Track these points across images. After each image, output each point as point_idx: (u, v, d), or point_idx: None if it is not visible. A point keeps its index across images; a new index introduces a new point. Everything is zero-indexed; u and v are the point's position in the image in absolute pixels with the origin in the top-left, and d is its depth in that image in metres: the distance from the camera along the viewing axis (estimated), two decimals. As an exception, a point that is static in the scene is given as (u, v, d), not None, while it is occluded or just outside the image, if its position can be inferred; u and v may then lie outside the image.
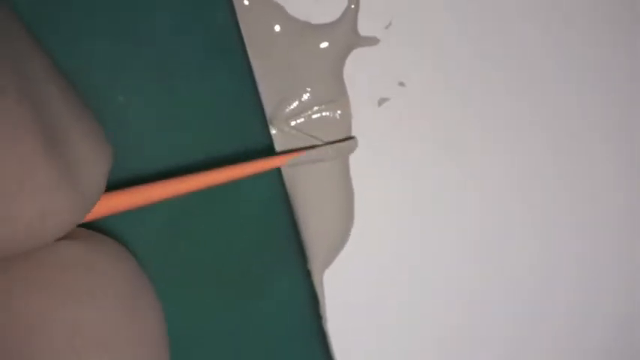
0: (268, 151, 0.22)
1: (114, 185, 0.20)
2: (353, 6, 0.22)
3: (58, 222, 0.17)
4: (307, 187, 0.22)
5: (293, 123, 0.22)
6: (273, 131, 0.22)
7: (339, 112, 0.22)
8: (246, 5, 0.21)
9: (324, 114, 0.22)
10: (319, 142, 0.22)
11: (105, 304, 0.18)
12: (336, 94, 0.22)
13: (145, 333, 0.19)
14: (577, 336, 0.24)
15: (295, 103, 0.22)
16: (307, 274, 0.22)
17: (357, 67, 0.22)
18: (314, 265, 0.22)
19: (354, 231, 0.22)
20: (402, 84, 0.22)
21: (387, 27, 0.22)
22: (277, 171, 0.22)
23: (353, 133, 0.22)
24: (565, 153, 0.23)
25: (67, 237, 0.18)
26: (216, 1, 0.21)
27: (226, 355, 0.22)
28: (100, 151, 0.18)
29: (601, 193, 0.23)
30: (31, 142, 0.16)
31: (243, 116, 0.22)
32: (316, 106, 0.22)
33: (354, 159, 0.22)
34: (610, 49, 0.23)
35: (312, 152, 0.22)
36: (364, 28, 0.22)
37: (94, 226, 0.20)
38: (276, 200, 0.22)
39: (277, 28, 0.22)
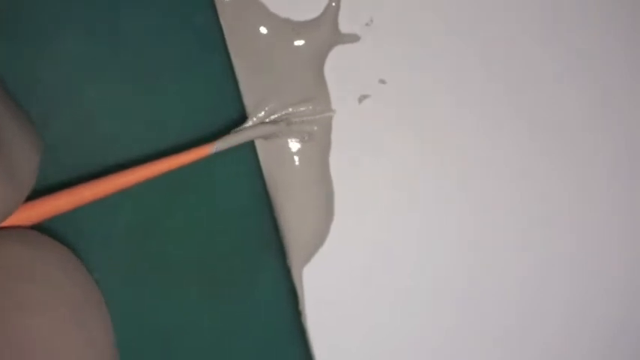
0: (248, 147, 0.22)
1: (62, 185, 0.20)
2: (334, 4, 0.22)
3: None
4: (286, 182, 0.22)
5: (273, 120, 0.22)
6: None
7: (319, 109, 0.22)
8: (227, 2, 0.21)
9: (304, 111, 0.22)
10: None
11: (52, 310, 0.18)
12: (317, 92, 0.22)
13: (93, 340, 0.19)
14: (573, 336, 0.24)
15: (276, 101, 0.22)
16: (287, 271, 0.22)
17: (338, 65, 0.22)
18: (293, 262, 0.22)
19: (333, 227, 0.22)
20: (382, 81, 0.22)
21: (367, 24, 0.22)
22: (257, 165, 0.22)
23: (333, 130, 0.22)
24: (556, 149, 0.23)
25: (13, 239, 0.19)
26: None
27: (205, 352, 0.22)
28: (32, 142, 0.19)
29: (597, 192, 0.23)
30: None
31: (222, 113, 0.22)
32: (297, 103, 0.22)
33: (334, 156, 0.22)
34: (600, 43, 0.23)
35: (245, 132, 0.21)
36: (345, 26, 0.22)
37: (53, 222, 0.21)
38: (255, 195, 0.22)
39: (258, 25, 0.22)
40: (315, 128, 0.22)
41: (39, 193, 0.20)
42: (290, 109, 0.22)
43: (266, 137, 0.22)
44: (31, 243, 0.19)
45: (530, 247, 0.23)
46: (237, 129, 0.22)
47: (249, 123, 0.22)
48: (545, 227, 0.23)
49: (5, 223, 0.19)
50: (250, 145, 0.22)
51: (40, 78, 0.21)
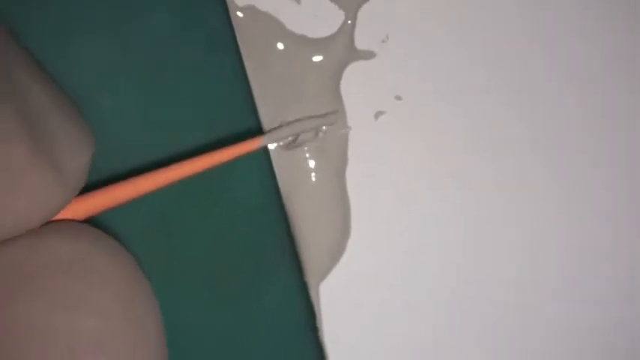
0: (261, 152, 0.22)
1: (105, 182, 0.20)
2: (350, 21, 0.22)
3: (45, 209, 0.18)
4: (303, 198, 0.22)
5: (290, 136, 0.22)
6: (271, 147, 0.22)
7: (335, 125, 0.22)
8: (244, 20, 0.22)
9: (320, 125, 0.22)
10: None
11: (103, 307, 0.18)
12: (333, 108, 0.22)
13: (144, 335, 0.18)
14: (571, 336, 0.24)
15: (292, 117, 0.22)
16: (303, 285, 0.22)
17: (354, 81, 0.22)
18: (310, 278, 0.22)
19: (350, 243, 0.22)
20: (398, 97, 0.23)
21: (383, 41, 0.22)
22: (272, 175, 0.22)
23: (349, 147, 0.22)
24: (565, 164, 0.23)
25: (63, 234, 0.18)
26: (209, 3, 0.22)
27: (216, 353, 0.22)
28: (82, 137, 0.19)
29: (597, 194, 0.23)
30: (18, 142, 0.17)
31: (235, 116, 0.22)
32: (313, 119, 0.22)
33: (350, 172, 0.22)
34: (602, 48, 0.23)
35: (285, 129, 0.22)
36: (361, 42, 0.22)
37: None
38: (270, 201, 0.22)
39: (275, 42, 0.22)
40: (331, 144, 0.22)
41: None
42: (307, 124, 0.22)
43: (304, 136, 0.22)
44: (82, 237, 0.19)
45: (550, 257, 0.23)
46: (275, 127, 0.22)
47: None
48: (565, 237, 0.23)
49: (56, 217, 0.19)
50: (264, 151, 0.22)
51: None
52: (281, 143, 0.22)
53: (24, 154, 0.17)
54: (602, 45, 0.23)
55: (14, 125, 0.17)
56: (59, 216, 0.19)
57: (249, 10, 0.22)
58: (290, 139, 0.22)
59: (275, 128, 0.22)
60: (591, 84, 0.23)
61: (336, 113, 0.22)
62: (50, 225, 0.19)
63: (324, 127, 0.22)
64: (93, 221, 0.20)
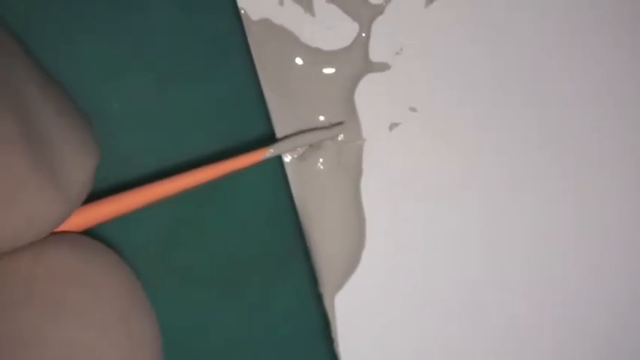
0: (275, 160, 0.22)
1: (109, 191, 0.20)
2: (364, 33, 0.22)
3: (42, 225, 0.18)
4: (318, 210, 0.22)
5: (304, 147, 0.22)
6: (285, 159, 0.22)
7: (350, 137, 0.22)
8: (259, 32, 0.22)
9: (335, 139, 0.22)
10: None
11: (99, 319, 0.18)
12: (348, 120, 0.22)
13: (140, 348, 0.19)
14: (580, 338, 0.24)
15: (307, 129, 0.22)
16: (316, 295, 0.23)
17: (369, 93, 0.22)
18: (325, 289, 0.22)
19: (364, 254, 0.23)
20: (413, 109, 0.23)
21: (397, 53, 0.22)
22: (286, 185, 0.22)
23: (364, 158, 0.23)
24: (578, 167, 0.23)
25: (63, 246, 0.19)
26: (218, 5, 0.22)
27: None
28: (86, 150, 0.19)
29: (610, 196, 0.23)
30: (18, 153, 0.17)
31: (246, 122, 0.22)
32: (328, 130, 0.22)
33: (365, 183, 0.23)
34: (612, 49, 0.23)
35: (296, 138, 0.22)
36: (375, 54, 0.22)
37: (90, 233, 0.21)
38: (284, 211, 0.23)
39: (290, 55, 0.22)
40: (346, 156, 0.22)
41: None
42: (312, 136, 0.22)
43: (314, 145, 0.22)
44: (81, 249, 0.19)
45: (565, 268, 0.23)
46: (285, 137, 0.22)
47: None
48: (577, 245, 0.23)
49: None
50: (277, 158, 0.22)
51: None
52: (295, 155, 0.22)
53: (23, 168, 0.17)
54: (617, 45, 0.23)
55: (14, 138, 0.17)
56: (59, 227, 0.19)
57: (263, 23, 0.22)
58: (300, 150, 0.22)
59: (283, 138, 0.22)
60: (604, 85, 0.23)
61: (342, 125, 0.22)
62: (49, 237, 0.19)
63: (340, 138, 0.22)
64: (101, 229, 0.21)
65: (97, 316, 0.18)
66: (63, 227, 0.19)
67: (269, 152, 0.21)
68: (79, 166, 0.18)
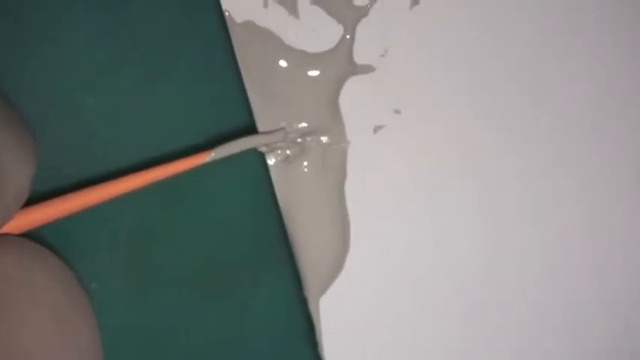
0: (255, 156, 0.22)
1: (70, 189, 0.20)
2: (348, 35, 0.22)
3: None
4: (302, 213, 0.22)
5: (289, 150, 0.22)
6: (269, 161, 0.22)
7: (334, 139, 0.22)
8: (243, 34, 0.22)
9: (319, 142, 0.22)
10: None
11: (36, 322, 0.18)
12: (332, 122, 0.22)
13: (78, 352, 0.18)
14: (580, 339, 0.24)
15: (291, 132, 0.22)
16: (300, 298, 0.22)
17: (353, 95, 0.22)
18: (310, 292, 0.22)
19: (349, 257, 0.22)
20: (397, 111, 0.23)
21: (382, 55, 0.22)
22: (269, 185, 0.22)
23: (348, 161, 0.22)
24: (575, 170, 0.23)
25: (3, 251, 0.18)
26: (204, 6, 0.22)
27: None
28: (24, 156, 0.19)
29: (607, 197, 0.23)
30: None
31: (231, 123, 0.22)
32: (312, 134, 0.22)
33: (349, 186, 0.22)
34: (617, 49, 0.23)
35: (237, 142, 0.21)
36: (360, 56, 0.22)
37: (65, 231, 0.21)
38: (265, 209, 0.22)
39: (274, 57, 0.22)
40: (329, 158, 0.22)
41: (30, 199, 0.20)
42: (305, 139, 0.22)
43: (268, 148, 0.22)
44: (19, 251, 0.19)
45: (560, 270, 0.23)
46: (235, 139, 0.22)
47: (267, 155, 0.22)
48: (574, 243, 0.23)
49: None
50: (258, 155, 0.22)
51: (39, 81, 0.21)
52: (279, 157, 0.22)
53: None
54: (616, 45, 0.23)
55: None
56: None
57: (247, 25, 0.22)
58: (284, 152, 0.22)
59: (225, 142, 0.21)
60: (604, 85, 0.23)
61: (283, 130, 0.22)
62: None
63: (324, 140, 0.22)
64: (73, 230, 0.20)
65: (33, 318, 0.18)
66: (1, 230, 0.19)
67: (210, 156, 0.21)
68: (18, 169, 0.18)
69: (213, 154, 0.21)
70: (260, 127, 0.22)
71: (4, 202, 0.18)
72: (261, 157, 0.22)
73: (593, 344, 0.24)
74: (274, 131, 0.22)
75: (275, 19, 0.22)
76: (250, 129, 0.22)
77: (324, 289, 0.22)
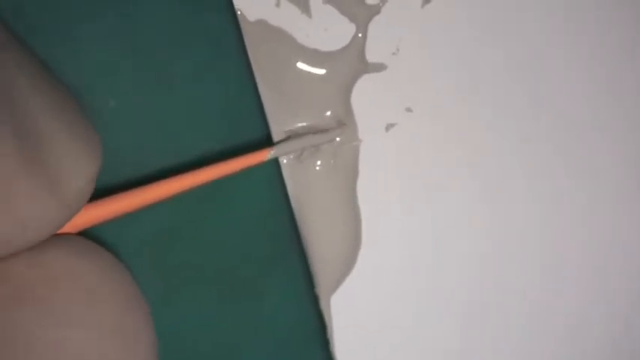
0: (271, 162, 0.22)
1: (105, 192, 0.20)
2: (360, 34, 0.22)
3: (39, 230, 0.17)
4: (314, 211, 0.22)
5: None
6: (282, 160, 0.22)
7: (346, 138, 0.22)
8: (255, 33, 0.22)
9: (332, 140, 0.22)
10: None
11: (91, 323, 0.18)
12: (344, 121, 0.22)
13: (133, 354, 0.18)
14: (581, 338, 0.24)
15: (304, 130, 0.22)
16: (312, 296, 0.23)
17: (365, 94, 0.22)
18: (321, 290, 0.22)
19: (360, 256, 0.23)
20: (409, 109, 0.23)
21: (394, 53, 0.22)
22: (282, 185, 0.22)
23: (360, 159, 0.23)
24: (575, 170, 0.23)
25: (57, 248, 0.18)
26: (216, 5, 0.22)
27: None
28: (87, 156, 0.18)
29: (608, 196, 0.23)
30: (11, 157, 0.17)
31: (244, 126, 0.22)
32: (324, 131, 0.22)
33: (361, 184, 0.22)
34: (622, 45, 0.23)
35: (297, 140, 0.22)
36: (372, 55, 0.22)
37: (87, 234, 0.20)
38: (277, 208, 0.22)
39: (286, 56, 0.22)
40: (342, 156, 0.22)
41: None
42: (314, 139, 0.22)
43: (315, 147, 0.22)
44: (77, 251, 0.19)
45: (564, 268, 0.23)
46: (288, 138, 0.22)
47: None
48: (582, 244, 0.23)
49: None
50: (274, 161, 0.22)
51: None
52: (291, 156, 0.22)
53: (14, 172, 0.17)
54: (617, 45, 0.23)
55: (6, 145, 0.17)
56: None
57: (260, 24, 0.22)
58: (298, 152, 0.22)
59: (283, 140, 0.22)
60: (604, 85, 0.23)
61: (342, 127, 0.22)
62: (47, 239, 0.18)
63: (337, 140, 0.22)
64: (96, 231, 0.20)
65: (88, 319, 0.18)
66: (61, 229, 0.19)
67: (270, 154, 0.21)
68: (78, 170, 0.18)
69: (272, 152, 0.21)
70: (272, 126, 0.22)
71: (63, 202, 0.18)
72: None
73: (593, 344, 0.24)
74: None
75: (287, 18, 0.22)
76: (262, 128, 0.22)
77: (335, 288, 0.22)
